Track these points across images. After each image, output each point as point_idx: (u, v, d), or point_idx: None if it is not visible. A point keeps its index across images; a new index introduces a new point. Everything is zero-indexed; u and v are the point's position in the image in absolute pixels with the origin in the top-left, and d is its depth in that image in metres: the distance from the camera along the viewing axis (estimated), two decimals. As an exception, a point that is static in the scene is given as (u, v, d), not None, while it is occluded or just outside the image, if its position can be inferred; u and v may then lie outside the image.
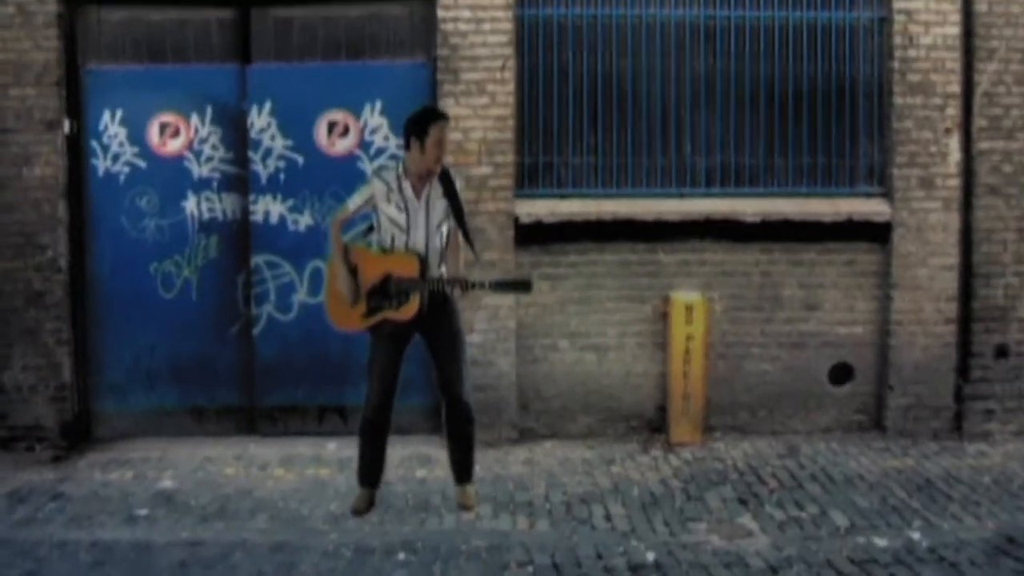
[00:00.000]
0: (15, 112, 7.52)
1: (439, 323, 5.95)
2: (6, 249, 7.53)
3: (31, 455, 7.56)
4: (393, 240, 5.89)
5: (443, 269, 5.96)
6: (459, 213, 5.92)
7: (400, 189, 5.86)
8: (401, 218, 5.85)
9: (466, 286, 5.83)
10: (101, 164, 7.83)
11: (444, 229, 5.94)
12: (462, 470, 6.31)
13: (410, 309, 5.81)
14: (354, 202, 5.98)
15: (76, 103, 7.75)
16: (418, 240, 5.86)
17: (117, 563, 5.62)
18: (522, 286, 5.96)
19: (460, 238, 6.02)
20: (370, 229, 6.11)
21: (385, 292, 5.86)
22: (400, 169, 5.93)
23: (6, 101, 7.52)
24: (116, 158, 7.84)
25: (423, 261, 5.82)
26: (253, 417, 7.99)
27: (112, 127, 7.83)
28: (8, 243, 7.53)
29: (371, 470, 6.25)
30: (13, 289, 7.57)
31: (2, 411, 7.64)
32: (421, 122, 5.84)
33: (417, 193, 5.87)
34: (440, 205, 5.89)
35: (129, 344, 7.92)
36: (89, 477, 7.14)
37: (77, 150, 7.76)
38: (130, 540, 5.93)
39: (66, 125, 7.60)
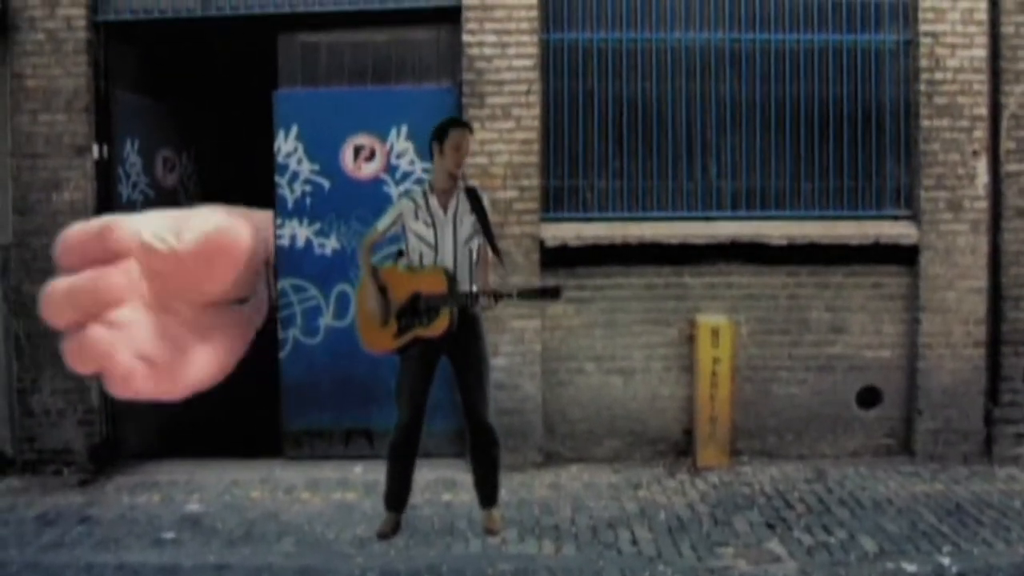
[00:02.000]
0: (45, 137, 7.60)
1: (466, 345, 5.97)
2: (35, 273, 7.58)
3: (59, 478, 7.61)
4: (421, 257, 5.92)
5: (473, 287, 5.95)
6: (487, 229, 5.94)
7: (427, 206, 5.90)
8: (429, 234, 5.88)
9: (494, 297, 5.85)
10: (125, 190, 7.94)
11: (473, 245, 5.95)
12: (487, 494, 6.30)
13: (440, 325, 5.82)
14: (383, 223, 6.02)
15: (107, 130, 7.83)
16: (446, 256, 5.87)
17: (144, 586, 5.65)
18: (550, 293, 5.95)
19: (490, 255, 6.03)
20: (400, 254, 6.13)
21: (415, 310, 5.87)
22: (427, 186, 6.00)
23: (36, 127, 7.60)
24: (135, 186, 7.98)
25: (451, 277, 5.83)
26: (279, 440, 8.01)
27: (132, 156, 7.96)
28: (37, 267, 7.58)
29: (398, 493, 6.25)
30: (42, 313, 7.63)
31: (31, 435, 7.70)
32: (442, 127, 5.93)
33: (444, 208, 5.90)
34: (468, 221, 5.92)
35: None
36: (116, 500, 7.17)
37: (109, 175, 7.84)
38: (157, 564, 5.94)
39: (95, 150, 7.67)
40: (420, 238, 5.89)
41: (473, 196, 5.96)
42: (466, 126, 6.02)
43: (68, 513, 6.89)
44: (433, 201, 5.92)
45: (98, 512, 6.89)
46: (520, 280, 7.49)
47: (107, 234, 6.58)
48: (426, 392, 6.01)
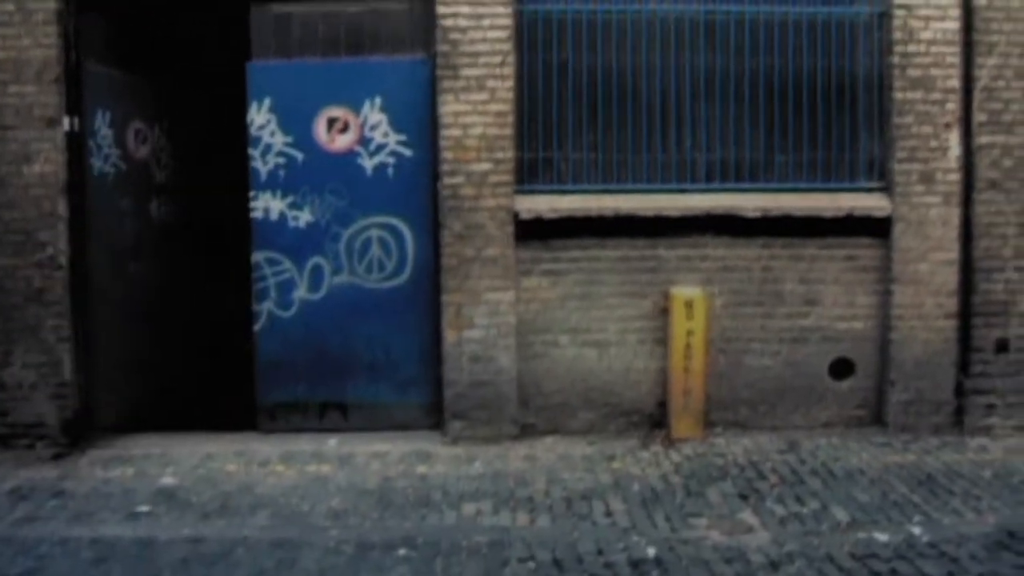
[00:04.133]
0: (15, 109, 7.51)
1: None
2: (6, 246, 7.53)
3: (32, 452, 7.56)
4: None
5: None
6: None
7: None
8: None
9: None
10: (96, 162, 7.88)
11: None
12: None
13: None
14: None
15: (78, 101, 7.75)
16: None
17: (119, 560, 5.62)
18: None
19: None
20: None
21: None
22: None
23: (6, 98, 7.50)
24: (106, 158, 7.93)
25: None
26: (254, 414, 7.99)
27: (104, 128, 7.90)
28: (8, 240, 7.53)
29: None
30: (13, 286, 7.56)
31: (3, 408, 7.64)
32: None
33: None
34: None
35: (130, 341, 7.93)
36: (90, 474, 7.15)
37: (80, 147, 7.76)
38: (132, 537, 5.94)
39: (66, 122, 7.59)
40: None
41: None
42: None
43: (42, 487, 6.86)
44: None
45: (72, 486, 6.87)
46: (495, 252, 7.53)
47: None
48: None
